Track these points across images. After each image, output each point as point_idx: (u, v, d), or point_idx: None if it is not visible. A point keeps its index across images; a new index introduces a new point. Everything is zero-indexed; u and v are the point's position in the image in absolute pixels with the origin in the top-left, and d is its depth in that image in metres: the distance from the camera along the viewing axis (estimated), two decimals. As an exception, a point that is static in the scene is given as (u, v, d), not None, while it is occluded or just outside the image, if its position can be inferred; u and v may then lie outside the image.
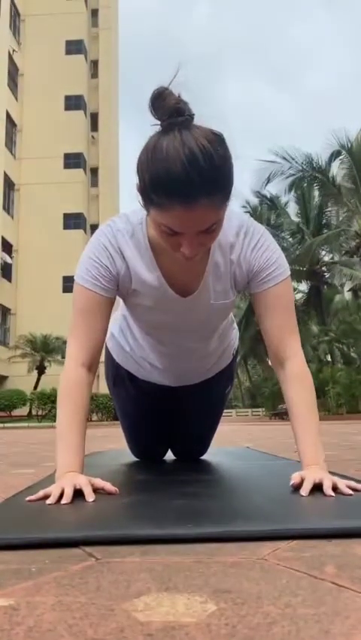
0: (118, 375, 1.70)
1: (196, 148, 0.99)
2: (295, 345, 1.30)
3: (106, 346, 1.70)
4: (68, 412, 1.22)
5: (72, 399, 1.23)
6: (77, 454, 1.18)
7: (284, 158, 20.33)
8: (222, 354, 1.65)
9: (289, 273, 1.32)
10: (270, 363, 1.36)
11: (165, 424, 1.81)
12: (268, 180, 21.11)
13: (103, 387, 14.04)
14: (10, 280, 25.39)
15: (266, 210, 24.68)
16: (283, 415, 17.77)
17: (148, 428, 1.83)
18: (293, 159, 20.32)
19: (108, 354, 1.72)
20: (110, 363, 1.72)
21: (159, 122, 1.05)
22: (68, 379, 1.25)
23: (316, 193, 23.05)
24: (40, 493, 1.08)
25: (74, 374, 1.24)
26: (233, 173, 1.07)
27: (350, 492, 1.06)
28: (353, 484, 1.10)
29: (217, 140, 1.03)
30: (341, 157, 20.52)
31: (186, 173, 0.99)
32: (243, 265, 1.29)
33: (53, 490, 1.07)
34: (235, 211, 1.30)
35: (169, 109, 1.03)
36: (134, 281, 1.29)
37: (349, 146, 20.09)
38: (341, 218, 22.12)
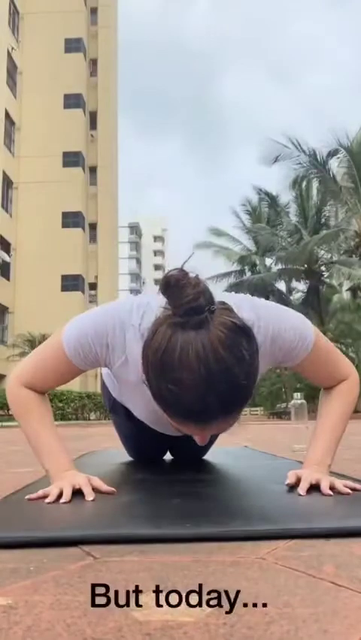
0: (115, 405, 1.62)
1: (215, 366, 0.84)
2: (342, 373, 1.27)
3: (102, 378, 1.65)
4: (36, 420, 1.18)
5: (32, 409, 1.19)
6: (66, 455, 1.18)
7: (293, 145, 20.37)
8: None
9: (314, 333, 1.20)
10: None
11: (165, 445, 1.79)
12: (276, 160, 21.07)
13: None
14: (8, 279, 25.36)
15: (266, 209, 24.68)
16: (281, 415, 17.78)
17: (147, 447, 1.79)
18: (301, 148, 20.36)
19: (104, 386, 1.64)
20: (106, 393, 1.64)
21: (170, 309, 0.89)
22: (24, 393, 1.19)
23: (314, 192, 23.05)
24: (40, 493, 1.08)
25: (21, 390, 1.19)
26: (258, 372, 0.94)
27: (348, 491, 1.06)
28: (350, 483, 1.10)
29: (240, 341, 0.88)
30: (338, 156, 20.52)
31: (202, 402, 0.86)
32: (268, 360, 1.17)
33: (52, 490, 1.07)
34: (234, 296, 1.19)
35: (185, 304, 0.86)
36: (136, 374, 1.11)
37: (348, 145, 20.09)
38: (340, 218, 22.13)
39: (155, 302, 1.06)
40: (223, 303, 0.92)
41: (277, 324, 1.15)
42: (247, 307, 1.13)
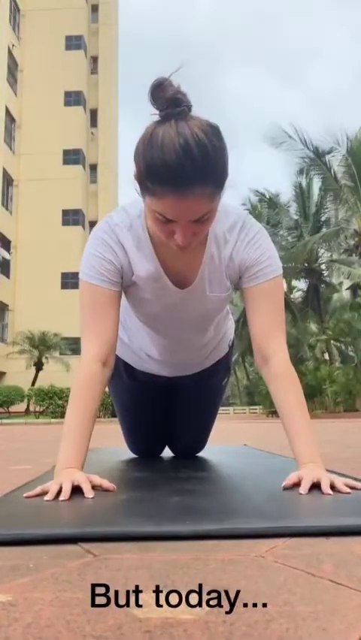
0: (115, 366, 1.69)
1: (191, 138, 1.02)
2: (279, 342, 1.30)
3: None
4: (78, 408, 1.22)
5: (83, 395, 1.23)
6: (79, 451, 1.18)
7: (299, 138, 20.35)
8: (218, 345, 1.66)
9: (281, 271, 1.33)
10: (255, 361, 1.36)
11: (163, 415, 1.81)
12: (279, 146, 21.07)
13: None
14: (8, 276, 25.36)
15: (265, 209, 24.67)
16: (280, 413, 17.79)
17: (145, 419, 1.83)
18: (305, 142, 20.33)
19: None
20: None
21: (157, 112, 1.07)
22: (83, 376, 1.25)
23: (315, 191, 23.04)
24: (38, 490, 1.08)
25: (88, 370, 1.25)
26: (228, 165, 1.09)
27: (348, 490, 1.06)
28: (350, 482, 1.10)
29: (213, 131, 1.05)
30: (334, 154, 20.48)
31: (180, 162, 1.01)
32: (235, 259, 1.31)
33: (51, 487, 1.07)
34: (234, 206, 1.32)
35: (167, 99, 1.05)
36: (134, 272, 1.31)
37: (348, 144, 20.07)
38: (340, 217, 22.11)
39: (129, 204, 1.29)
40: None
41: (258, 237, 1.30)
42: (242, 214, 1.33)
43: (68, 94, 27.68)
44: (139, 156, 1.08)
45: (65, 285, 25.39)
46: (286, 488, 1.11)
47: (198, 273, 1.32)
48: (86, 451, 1.20)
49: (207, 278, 1.33)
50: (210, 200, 1.08)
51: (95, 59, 31.00)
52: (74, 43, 28.42)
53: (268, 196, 24.20)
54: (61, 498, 1.03)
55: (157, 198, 1.07)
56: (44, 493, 1.07)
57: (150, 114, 1.09)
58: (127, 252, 1.28)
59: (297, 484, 1.11)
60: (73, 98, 27.77)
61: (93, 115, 30.18)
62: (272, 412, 20.04)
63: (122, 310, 1.57)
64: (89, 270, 1.28)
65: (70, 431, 1.19)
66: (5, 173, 25.33)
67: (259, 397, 23.38)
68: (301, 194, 23.10)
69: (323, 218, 23.04)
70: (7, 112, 25.80)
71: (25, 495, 1.09)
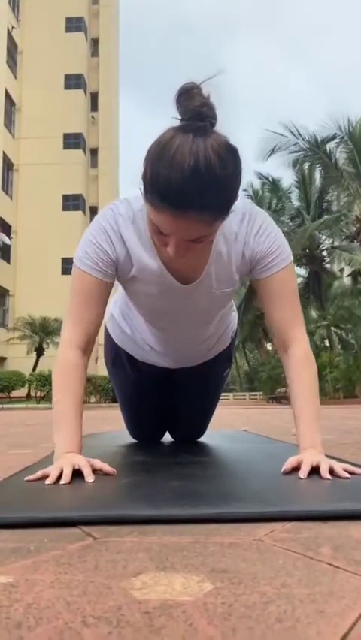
0: (117, 356, 1.71)
1: (203, 161, 0.97)
2: (300, 330, 1.30)
3: (105, 327, 1.70)
4: (65, 394, 1.22)
5: (68, 381, 1.23)
6: (75, 436, 1.18)
7: (291, 133, 20.02)
8: (221, 337, 1.65)
9: (292, 258, 1.31)
10: (275, 346, 1.36)
11: (164, 404, 1.82)
12: (273, 152, 20.76)
13: (101, 369, 14.08)
14: (8, 261, 25.30)
15: (268, 193, 24.50)
16: (280, 399, 17.87)
17: (147, 408, 1.84)
18: (300, 135, 20.01)
19: (107, 335, 1.72)
20: (109, 344, 1.72)
21: (179, 118, 1.02)
22: (64, 361, 1.25)
23: (317, 177, 22.86)
24: (39, 474, 1.09)
25: (70, 356, 1.25)
26: (237, 192, 1.05)
27: (347, 475, 1.07)
28: (349, 467, 1.11)
29: (229, 156, 1.00)
30: (336, 140, 20.21)
31: (184, 184, 0.97)
32: (246, 252, 1.28)
33: (52, 471, 1.08)
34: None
35: (192, 110, 1.00)
36: (134, 266, 1.28)
37: (350, 129, 19.82)
38: (342, 203, 21.97)
39: (133, 197, 1.25)
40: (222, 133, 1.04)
41: (266, 227, 1.27)
42: (249, 204, 1.29)
43: (68, 77, 27.33)
44: (148, 161, 1.03)
45: (65, 271, 25.29)
46: (285, 473, 1.12)
47: (205, 270, 1.29)
48: (82, 435, 1.21)
49: (214, 275, 1.30)
50: (209, 225, 1.06)
51: (95, 42, 30.58)
52: (74, 25, 27.99)
53: (270, 179, 24.00)
54: (62, 482, 1.04)
55: (155, 209, 1.04)
56: (45, 477, 1.07)
57: (171, 117, 1.03)
58: (127, 245, 1.25)
59: (296, 469, 1.12)
60: (73, 81, 27.44)
61: (94, 99, 29.85)
62: (272, 398, 20.13)
63: (123, 302, 1.56)
64: (84, 256, 1.25)
65: (63, 416, 1.20)
66: (5, 157, 25.14)
67: (259, 383, 23.47)
68: (303, 181, 22.94)
69: (324, 205, 22.90)
70: (7, 95, 25.52)
71: (26, 479, 1.09)
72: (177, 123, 1.02)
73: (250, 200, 1.37)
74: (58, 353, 1.27)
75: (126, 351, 1.68)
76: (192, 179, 0.97)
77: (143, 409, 1.85)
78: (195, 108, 1.00)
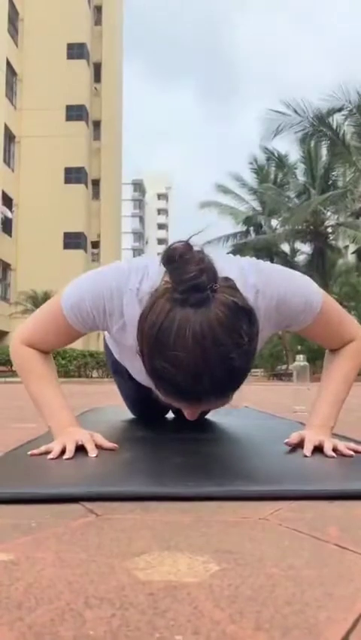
0: (118, 367, 1.61)
1: (211, 347, 0.82)
2: (351, 334, 1.24)
3: (105, 343, 1.64)
4: (38, 378, 1.19)
5: (44, 366, 1.20)
6: (69, 411, 1.18)
7: (295, 111, 19.59)
8: None
9: (322, 296, 1.17)
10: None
11: (167, 407, 1.79)
12: (277, 132, 20.36)
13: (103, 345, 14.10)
14: (10, 235, 25.14)
15: (273, 168, 24.15)
16: (282, 376, 17.92)
17: (150, 407, 1.80)
18: (304, 112, 19.59)
19: (108, 350, 1.64)
20: (109, 355, 1.64)
21: (171, 284, 0.86)
22: (21, 353, 1.20)
23: (324, 152, 22.49)
24: (42, 448, 1.08)
25: (25, 349, 1.20)
26: (253, 362, 0.91)
27: (351, 453, 1.06)
28: (353, 445, 1.10)
29: (240, 322, 0.85)
30: (344, 112, 19.75)
31: (196, 383, 0.84)
32: (273, 325, 1.16)
33: (55, 446, 1.07)
34: (237, 266, 1.11)
35: (187, 281, 0.83)
36: (131, 340, 1.09)
37: (359, 101, 19.38)
38: (348, 179, 21.66)
39: (154, 265, 1.05)
40: (227, 279, 0.88)
41: (284, 289, 1.12)
42: (253, 272, 1.10)
43: (70, 46, 26.69)
44: (146, 346, 0.87)
45: (67, 245, 25.18)
46: (288, 445, 1.12)
47: None
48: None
49: None
50: (228, 399, 0.94)
51: (98, 9, 29.80)
52: (77, -9, 27.28)
53: (276, 155, 23.63)
54: (65, 457, 1.03)
55: (167, 396, 0.91)
56: (48, 451, 1.06)
57: (162, 280, 0.88)
58: (127, 320, 1.10)
59: (298, 445, 1.11)
60: (76, 51, 26.82)
61: (97, 69, 29.21)
62: (273, 375, 20.20)
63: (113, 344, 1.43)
64: (73, 305, 1.12)
65: (50, 395, 1.17)
66: (7, 129, 24.75)
67: (260, 360, 23.52)
68: (309, 156, 22.58)
69: (331, 181, 22.58)
70: (8, 64, 24.98)
71: (29, 452, 1.08)
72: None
73: (246, 260, 1.17)
74: (13, 347, 1.21)
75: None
76: (203, 375, 0.83)
77: (145, 404, 1.81)
78: (191, 279, 0.83)
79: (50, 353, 1.24)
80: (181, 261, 0.85)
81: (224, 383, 0.87)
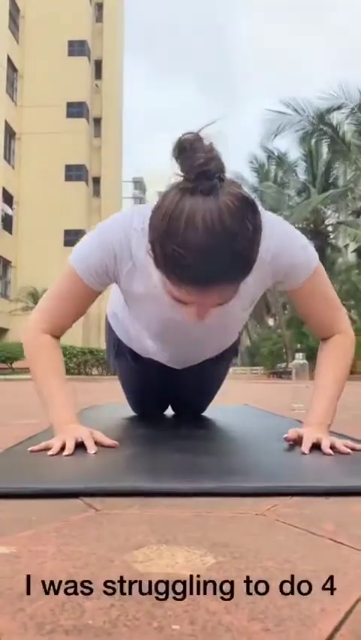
0: (120, 349, 1.65)
1: (220, 230, 0.86)
2: (337, 325, 1.27)
3: (108, 322, 1.66)
4: (51, 368, 1.20)
5: (52, 358, 1.21)
6: (71, 408, 1.19)
7: (295, 110, 19.55)
8: (228, 337, 1.59)
9: (317, 261, 1.21)
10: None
11: (168, 392, 1.80)
12: (277, 132, 20.33)
13: (104, 342, 14.12)
14: (10, 232, 25.14)
15: (274, 167, 24.14)
16: (281, 374, 17.95)
17: (150, 393, 1.82)
18: (304, 111, 19.55)
19: (110, 330, 1.66)
20: (112, 338, 1.67)
21: (181, 175, 0.90)
22: (34, 344, 1.22)
23: (325, 150, 22.47)
24: (42, 445, 1.09)
25: (39, 337, 1.21)
26: (257, 251, 0.94)
27: (348, 451, 1.07)
28: (350, 443, 1.11)
29: (247, 212, 0.89)
30: (343, 110, 19.69)
31: (203, 262, 0.87)
32: (270, 273, 1.18)
33: (55, 442, 1.08)
34: None
35: (195, 168, 0.87)
36: (141, 284, 1.19)
37: (359, 100, 19.34)
38: (348, 177, 21.65)
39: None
40: (233, 180, 0.93)
41: (284, 236, 1.16)
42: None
43: (71, 43, 26.66)
44: (156, 237, 0.92)
45: (68, 242, 25.15)
46: (287, 440, 1.14)
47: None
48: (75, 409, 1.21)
49: (231, 303, 1.17)
50: (235, 288, 0.98)
51: (100, 6, 29.74)
52: (78, -12, 27.21)
53: (276, 154, 23.61)
54: (64, 453, 1.04)
55: (174, 285, 0.95)
56: (48, 448, 1.07)
57: (174, 173, 0.91)
58: (137, 263, 1.14)
59: (296, 442, 1.12)
60: (76, 48, 26.78)
61: (98, 66, 29.18)
62: (273, 373, 20.23)
63: (120, 306, 1.46)
64: (82, 258, 1.16)
65: (54, 393, 1.18)
66: (7, 125, 24.73)
67: (260, 358, 23.55)
68: (310, 155, 22.57)
69: (331, 179, 22.57)
70: (9, 61, 24.95)
71: (29, 449, 1.10)
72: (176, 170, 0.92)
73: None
74: (25, 337, 1.23)
75: (130, 347, 1.61)
76: (212, 255, 0.87)
77: (146, 393, 1.83)
78: (199, 166, 0.87)
79: (59, 339, 1.24)
80: (191, 148, 0.89)
81: (232, 266, 0.91)
